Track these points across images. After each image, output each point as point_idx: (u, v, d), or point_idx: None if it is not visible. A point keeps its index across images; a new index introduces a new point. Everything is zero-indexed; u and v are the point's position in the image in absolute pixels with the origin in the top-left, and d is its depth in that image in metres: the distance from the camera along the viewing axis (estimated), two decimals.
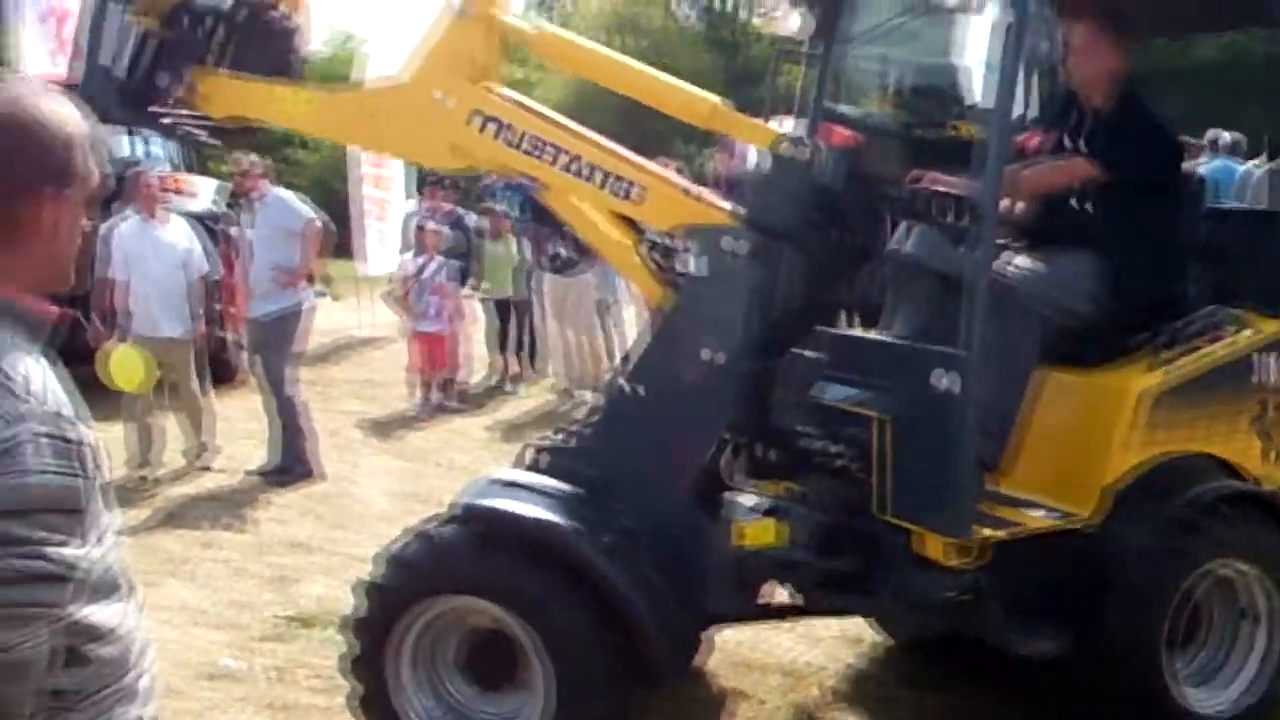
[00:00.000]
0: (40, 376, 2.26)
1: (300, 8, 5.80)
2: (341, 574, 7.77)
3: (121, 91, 5.44)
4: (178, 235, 10.58)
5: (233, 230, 14.01)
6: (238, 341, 12.32)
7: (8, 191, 2.28)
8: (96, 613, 2.41)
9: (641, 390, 4.98)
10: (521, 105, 5.26)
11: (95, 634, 2.41)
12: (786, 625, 6.37)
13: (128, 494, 9.95)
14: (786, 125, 5.80)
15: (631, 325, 12.49)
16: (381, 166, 18.89)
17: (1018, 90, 4.88)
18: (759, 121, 5.56)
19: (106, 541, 2.46)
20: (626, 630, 4.75)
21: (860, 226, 5.31)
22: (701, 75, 43.60)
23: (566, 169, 5.01)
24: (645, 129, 19.12)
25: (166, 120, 5.88)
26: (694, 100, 5.24)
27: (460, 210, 15.63)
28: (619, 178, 4.99)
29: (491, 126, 5.05)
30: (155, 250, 10.35)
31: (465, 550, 4.87)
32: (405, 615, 4.97)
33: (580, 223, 5.36)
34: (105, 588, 2.45)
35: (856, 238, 5.30)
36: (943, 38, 11.25)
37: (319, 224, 11.25)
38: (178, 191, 13.52)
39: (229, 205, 14.86)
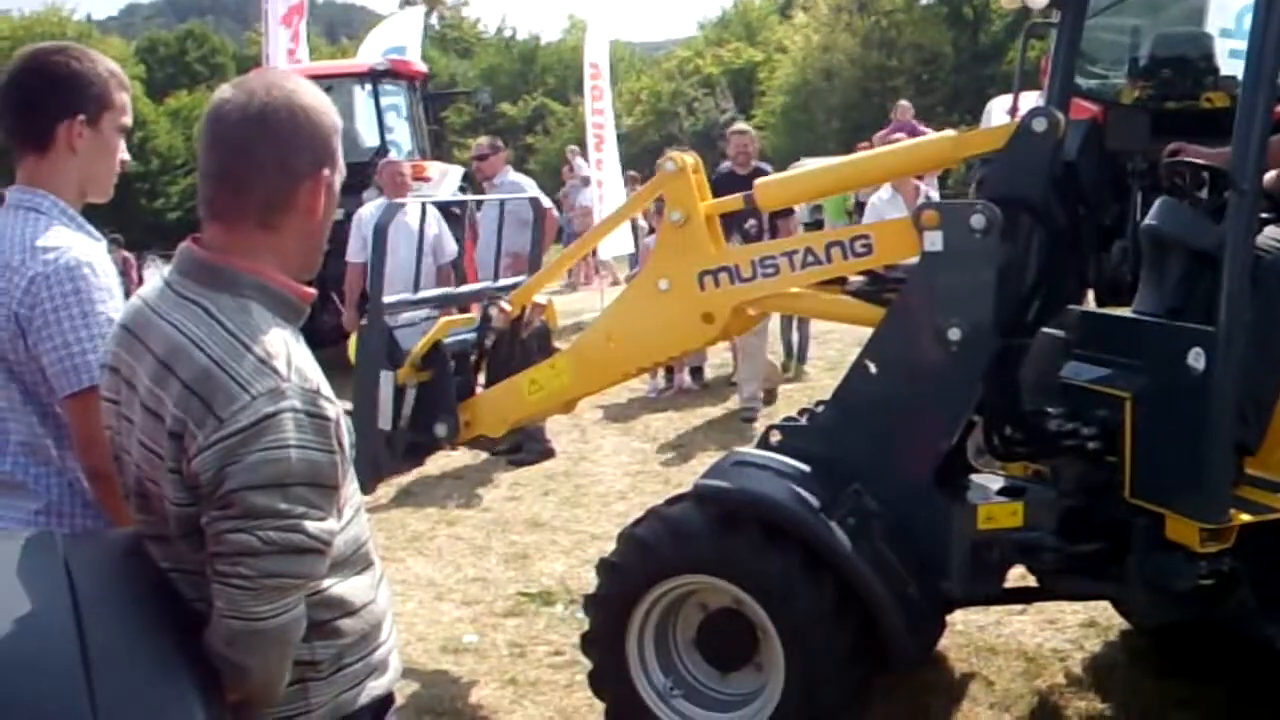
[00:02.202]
0: (298, 354, 2.33)
1: (549, 309, 6.09)
2: (579, 552, 7.89)
3: (403, 448, 5.75)
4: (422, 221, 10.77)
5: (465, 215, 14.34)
6: None
7: (289, 174, 2.40)
8: (346, 586, 2.49)
9: (880, 369, 4.91)
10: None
11: (346, 607, 2.48)
12: (1029, 609, 6.25)
13: None
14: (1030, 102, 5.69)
15: None
16: (601, 152, 19.13)
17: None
18: (1000, 123, 5.47)
19: (354, 515, 2.53)
20: (866, 613, 4.70)
21: (1106, 201, 5.17)
22: (940, 54, 43.02)
23: (803, 265, 5.02)
24: (874, 105, 18.98)
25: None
26: (933, 147, 5.20)
27: None
28: (845, 243, 4.99)
29: (723, 276, 5.13)
30: (401, 236, 10.58)
31: (704, 530, 4.90)
32: (644, 594, 5.03)
33: (797, 306, 5.52)
34: (354, 562, 2.52)
35: (1102, 213, 5.15)
36: (1191, 5, 10.89)
37: (554, 212, 11.41)
38: (421, 178, 13.87)
39: (463, 189, 15.20)
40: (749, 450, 5.31)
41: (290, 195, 2.41)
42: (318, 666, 2.47)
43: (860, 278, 5.17)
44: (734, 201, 5.40)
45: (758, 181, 5.44)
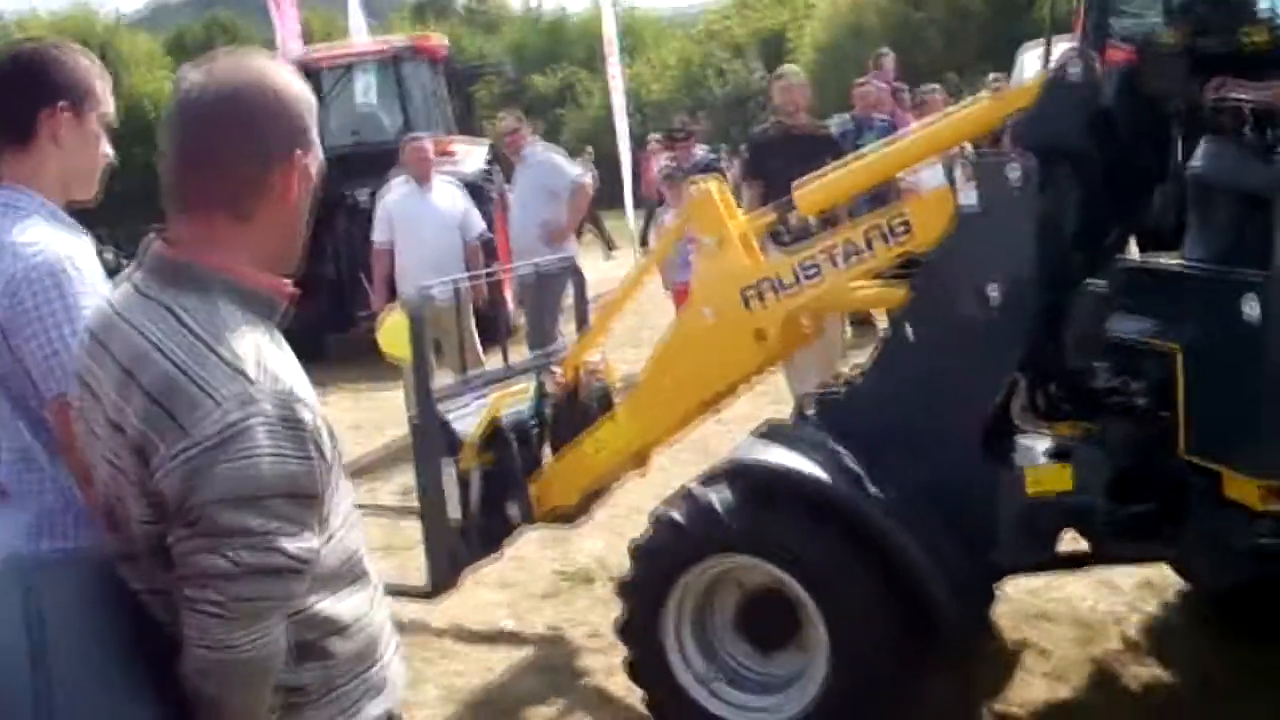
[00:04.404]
0: (271, 355, 2.15)
1: (607, 368, 6.01)
2: (618, 529, 7.70)
3: (475, 538, 5.67)
4: (448, 199, 10.69)
5: (494, 190, 14.24)
6: (503, 299, 12.39)
7: (260, 157, 2.23)
8: (335, 604, 2.30)
9: (918, 333, 4.72)
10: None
11: (335, 626, 2.30)
12: (1082, 573, 6.04)
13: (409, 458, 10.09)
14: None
15: None
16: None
17: None
18: (1033, 74, 5.30)
19: (344, 527, 2.34)
20: (911, 588, 4.51)
21: (1146, 147, 4.96)
22: (970, 6, 42.56)
23: (846, 260, 4.89)
24: (905, 60, 18.71)
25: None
26: (973, 115, 5.04)
27: (712, 155, 15.29)
28: (883, 228, 4.85)
29: (766, 289, 5.00)
30: (427, 215, 10.49)
31: (737, 508, 4.72)
32: (678, 577, 4.86)
33: (843, 304, 5.61)
34: (345, 576, 2.33)
35: (1143, 159, 4.95)
36: None
37: (586, 182, 11.29)
38: (447, 155, 13.76)
39: (491, 163, 15.09)
40: (783, 422, 5.14)
41: (262, 180, 2.23)
42: (306, 691, 2.28)
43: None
44: (766, 216, 5.26)
45: (797, 191, 5.21)
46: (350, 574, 2.35)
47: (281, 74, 2.29)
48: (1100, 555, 5.07)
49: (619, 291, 5.91)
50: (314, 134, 2.33)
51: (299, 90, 2.30)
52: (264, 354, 2.14)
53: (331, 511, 2.26)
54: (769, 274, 5.02)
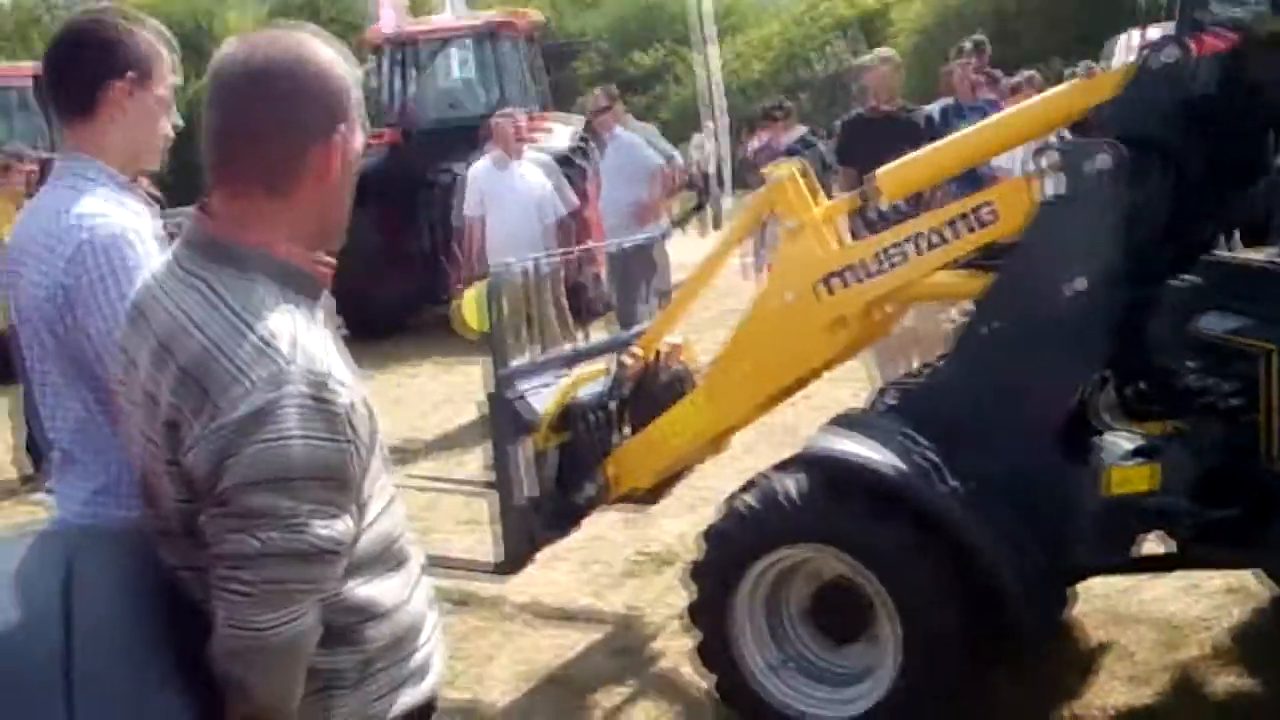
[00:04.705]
0: (308, 335, 2.11)
1: (687, 349, 5.90)
2: (701, 510, 7.64)
3: (549, 516, 5.59)
4: (532, 176, 10.73)
5: (588, 167, 14.18)
6: (596, 275, 12.37)
7: (296, 135, 2.19)
8: (373, 588, 2.26)
9: (998, 325, 4.62)
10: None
11: (373, 611, 2.26)
12: (1166, 576, 5.91)
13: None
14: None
15: None
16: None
17: None
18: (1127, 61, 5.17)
19: (383, 510, 2.30)
20: (985, 584, 4.42)
21: (1243, 138, 4.82)
22: None
23: (930, 247, 4.76)
24: (1007, 42, 18.33)
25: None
26: (1060, 100, 4.96)
27: (811, 137, 15.01)
28: (968, 215, 4.72)
29: (849, 276, 4.88)
30: (510, 191, 10.55)
31: (810, 497, 4.65)
32: (751, 564, 4.79)
33: (925, 293, 5.24)
34: (383, 560, 2.29)
35: (1237, 150, 4.81)
36: None
37: (669, 162, 11.30)
38: (540, 132, 13.76)
39: (585, 140, 15.03)
40: (860, 411, 5.06)
41: (298, 159, 2.19)
42: (341, 675, 2.25)
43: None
44: (850, 201, 5.21)
45: (879, 172, 5.09)
46: (388, 558, 2.32)
47: (321, 50, 2.25)
48: (1185, 559, 4.96)
49: (697, 273, 5.83)
50: (356, 110, 2.29)
51: (339, 66, 2.26)
52: (300, 334, 2.11)
53: (370, 495, 2.23)
54: (851, 260, 4.92)
